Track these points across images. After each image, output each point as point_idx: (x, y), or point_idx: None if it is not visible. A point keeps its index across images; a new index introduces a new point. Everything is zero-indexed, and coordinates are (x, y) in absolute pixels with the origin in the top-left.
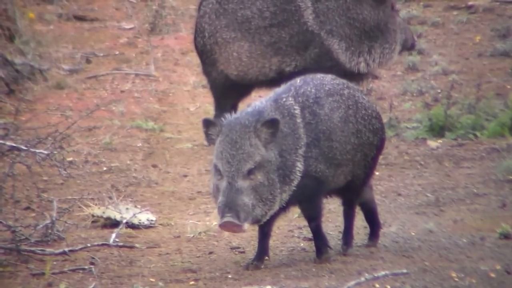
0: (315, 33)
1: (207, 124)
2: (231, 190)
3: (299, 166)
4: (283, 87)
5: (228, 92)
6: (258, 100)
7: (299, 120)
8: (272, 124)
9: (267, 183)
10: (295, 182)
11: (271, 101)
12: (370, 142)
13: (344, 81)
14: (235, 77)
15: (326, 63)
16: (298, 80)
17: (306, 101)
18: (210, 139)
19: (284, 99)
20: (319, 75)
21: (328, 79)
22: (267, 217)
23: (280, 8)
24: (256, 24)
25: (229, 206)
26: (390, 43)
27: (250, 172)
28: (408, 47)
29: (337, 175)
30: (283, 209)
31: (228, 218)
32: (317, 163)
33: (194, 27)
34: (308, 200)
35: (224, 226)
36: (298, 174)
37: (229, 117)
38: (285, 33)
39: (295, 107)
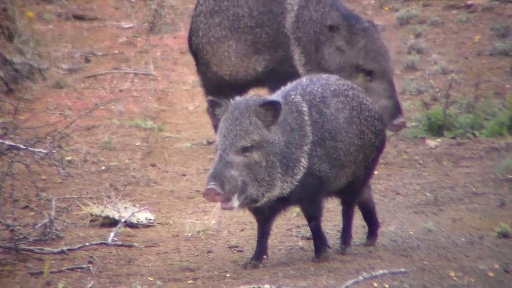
0: (287, 35)
1: (213, 104)
2: (220, 162)
3: (303, 162)
4: (289, 86)
5: (223, 92)
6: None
7: (306, 118)
8: (273, 106)
9: (264, 164)
10: (298, 177)
11: (279, 97)
12: (372, 143)
13: (349, 82)
14: (228, 78)
15: (288, 69)
16: (304, 80)
17: (313, 99)
18: (216, 119)
19: (292, 96)
20: (325, 76)
21: (333, 80)
22: (265, 199)
23: (269, 9)
24: (245, 23)
25: (215, 176)
26: None
27: (245, 149)
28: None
29: (339, 177)
30: (283, 207)
31: (211, 185)
32: (321, 162)
33: (190, 26)
34: (309, 199)
35: (207, 194)
36: (302, 169)
37: (237, 98)
38: (265, 34)
39: (303, 104)
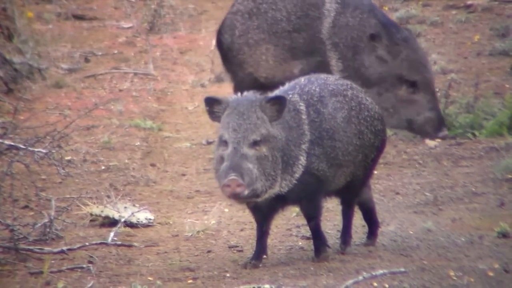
0: (323, 41)
1: (211, 102)
2: (236, 155)
3: (302, 160)
4: (287, 85)
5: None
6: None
7: (304, 117)
8: (278, 101)
9: (271, 158)
10: (296, 176)
11: None
12: (372, 143)
13: (348, 82)
14: (264, 80)
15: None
16: (302, 79)
17: (310, 99)
18: (214, 117)
19: (290, 96)
20: (323, 75)
21: (332, 80)
22: (266, 196)
23: (306, 13)
24: (283, 27)
25: (233, 168)
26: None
27: (255, 143)
28: (418, 131)
29: (338, 176)
30: (281, 207)
31: (233, 176)
32: (319, 161)
33: (222, 22)
34: (308, 199)
35: (228, 186)
36: (300, 167)
37: (235, 95)
38: (301, 39)
39: (300, 103)
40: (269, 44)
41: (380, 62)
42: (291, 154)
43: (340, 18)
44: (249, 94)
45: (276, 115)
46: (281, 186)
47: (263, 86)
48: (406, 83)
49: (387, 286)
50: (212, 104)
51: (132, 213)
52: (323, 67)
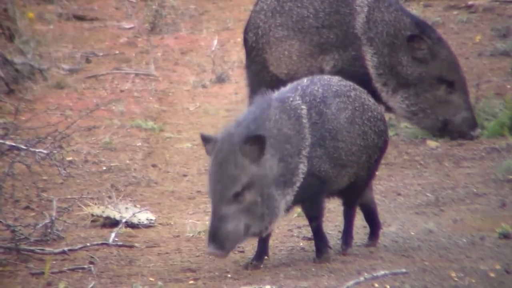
0: (358, 36)
1: (203, 139)
2: (215, 218)
3: (302, 167)
4: (289, 87)
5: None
6: (264, 100)
7: (305, 121)
8: (258, 140)
9: (259, 199)
10: (298, 184)
11: (277, 102)
12: (375, 144)
13: (351, 83)
14: (285, 76)
15: (359, 69)
16: (305, 80)
17: (313, 100)
18: (209, 153)
19: (291, 99)
20: (326, 76)
21: (335, 80)
22: (272, 227)
23: (336, 10)
24: (310, 23)
25: (213, 237)
26: (411, 103)
27: (236, 195)
28: (454, 131)
29: (341, 176)
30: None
31: (211, 250)
32: (321, 162)
33: (247, 20)
34: (310, 199)
35: (210, 254)
36: (301, 175)
37: (225, 130)
38: (333, 34)
39: (302, 107)
40: (293, 40)
41: (420, 62)
42: (289, 167)
43: (375, 13)
44: (234, 129)
45: (257, 154)
46: (286, 203)
47: (280, 82)
48: (445, 83)
49: (388, 287)
50: (205, 141)
51: (133, 214)
52: (358, 61)
